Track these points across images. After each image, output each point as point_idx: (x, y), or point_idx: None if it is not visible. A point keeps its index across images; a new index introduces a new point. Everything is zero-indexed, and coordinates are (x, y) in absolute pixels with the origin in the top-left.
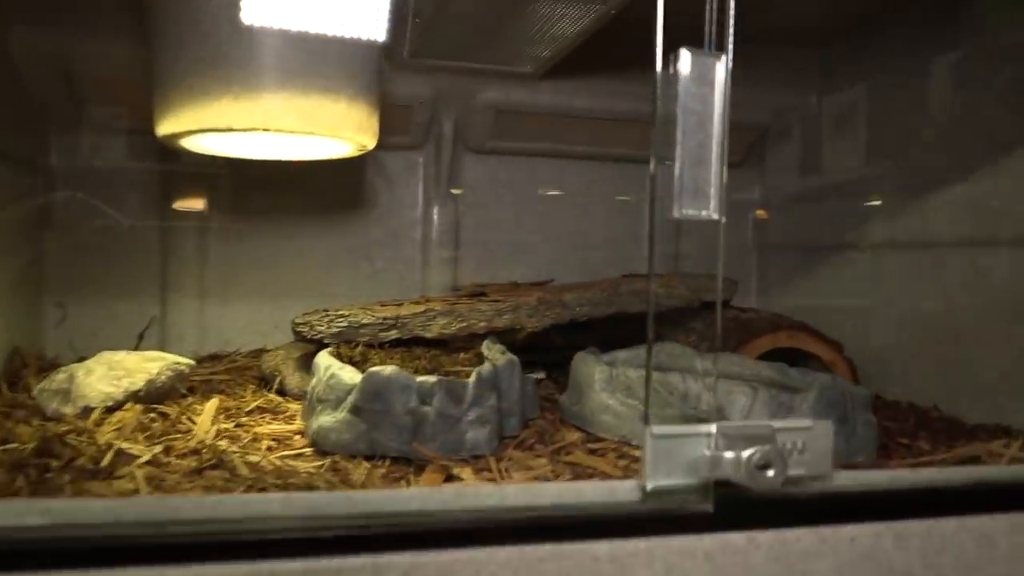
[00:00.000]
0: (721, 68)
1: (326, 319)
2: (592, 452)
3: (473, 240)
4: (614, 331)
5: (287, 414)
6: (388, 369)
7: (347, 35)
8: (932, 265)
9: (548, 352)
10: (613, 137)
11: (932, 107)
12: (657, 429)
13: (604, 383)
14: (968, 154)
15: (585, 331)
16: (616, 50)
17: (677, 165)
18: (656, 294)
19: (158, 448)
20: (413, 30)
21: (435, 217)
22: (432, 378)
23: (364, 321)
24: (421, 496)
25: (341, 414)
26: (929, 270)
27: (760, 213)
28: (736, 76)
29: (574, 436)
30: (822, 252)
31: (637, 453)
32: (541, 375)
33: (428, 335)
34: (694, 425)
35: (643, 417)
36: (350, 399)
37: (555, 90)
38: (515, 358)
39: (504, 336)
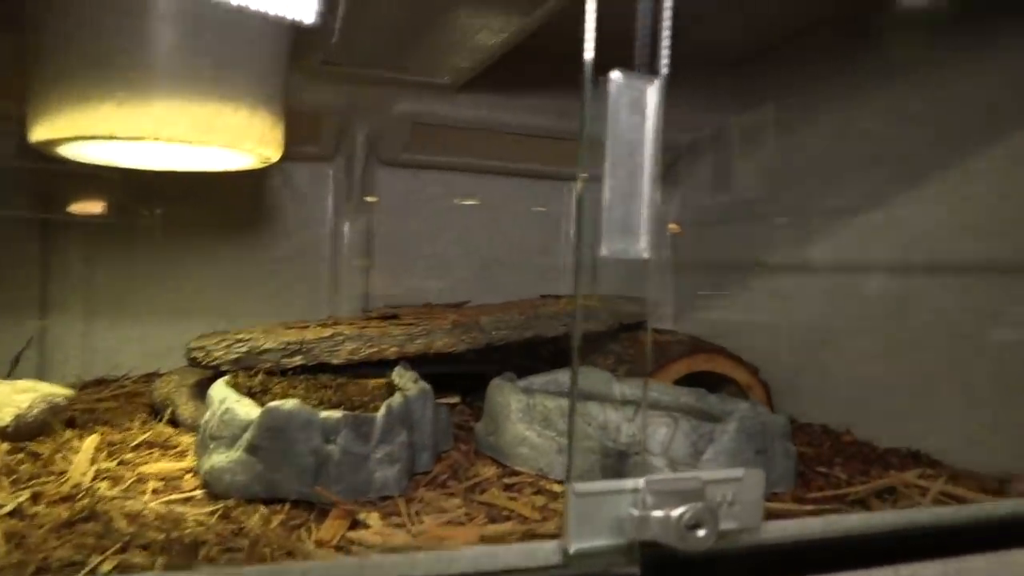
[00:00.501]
0: (654, 93)
1: (224, 343)
2: (508, 488)
3: (387, 257)
4: (532, 349)
5: (178, 449)
6: (289, 403)
7: (251, 39)
8: (842, 287)
9: (462, 376)
10: (533, 153)
11: (840, 130)
12: (580, 486)
13: (521, 413)
14: (877, 178)
15: (502, 349)
16: (539, 64)
17: (605, 198)
18: (573, 316)
19: (24, 495)
20: (326, 36)
21: (346, 233)
22: (337, 413)
23: (266, 346)
24: (319, 572)
25: (236, 453)
26: (839, 292)
27: (673, 227)
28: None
29: (490, 471)
30: (737, 272)
31: (555, 488)
32: (455, 399)
33: (335, 361)
34: (619, 480)
35: (562, 450)
36: (246, 436)
37: (475, 103)
38: (428, 387)
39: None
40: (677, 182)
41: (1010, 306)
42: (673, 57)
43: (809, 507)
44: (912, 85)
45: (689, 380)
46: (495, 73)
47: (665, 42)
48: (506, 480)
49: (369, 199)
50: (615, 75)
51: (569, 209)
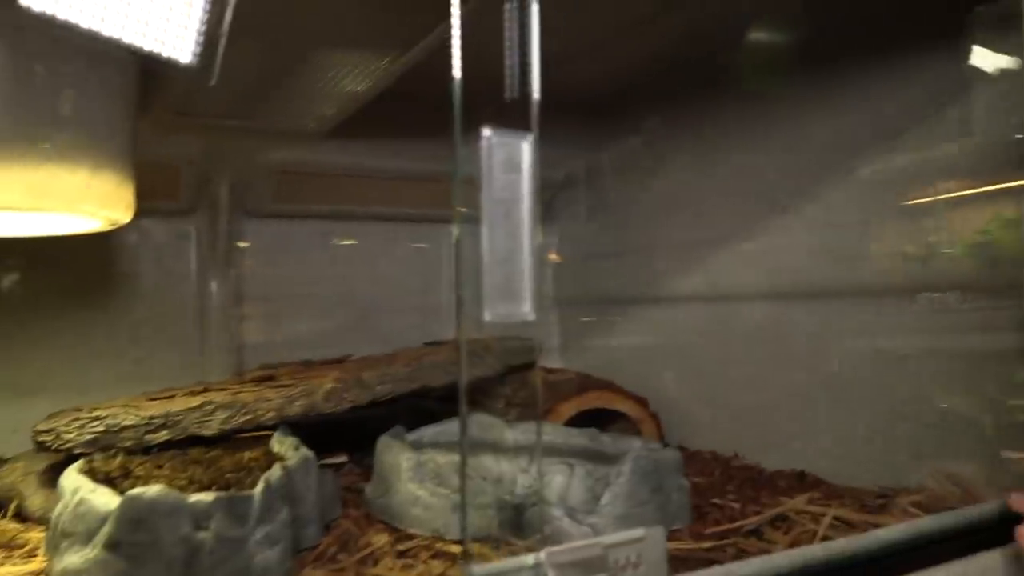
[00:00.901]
0: (528, 149)
1: (76, 423)
2: (403, 555)
3: (261, 312)
4: (420, 399)
5: (26, 548)
6: (152, 490)
7: (91, 94)
8: (719, 315)
9: (350, 429)
10: (409, 196)
11: (710, 163)
12: (477, 569)
13: (412, 472)
14: (745, 209)
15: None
16: (411, 106)
17: (485, 262)
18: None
19: None
20: (179, 86)
21: (213, 290)
22: (208, 496)
23: (125, 422)
24: None
25: (93, 551)
26: (717, 320)
27: (554, 255)
28: None
29: (382, 538)
30: (620, 304)
31: (453, 548)
32: (342, 459)
33: (207, 433)
34: (518, 558)
35: (457, 508)
36: (104, 531)
37: (343, 149)
38: (310, 454)
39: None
40: (555, 218)
41: (869, 325)
42: (544, 94)
43: (707, 544)
44: (773, 120)
45: (581, 417)
46: (366, 118)
47: (536, 95)
48: (400, 546)
49: (239, 253)
50: (487, 132)
51: (448, 250)
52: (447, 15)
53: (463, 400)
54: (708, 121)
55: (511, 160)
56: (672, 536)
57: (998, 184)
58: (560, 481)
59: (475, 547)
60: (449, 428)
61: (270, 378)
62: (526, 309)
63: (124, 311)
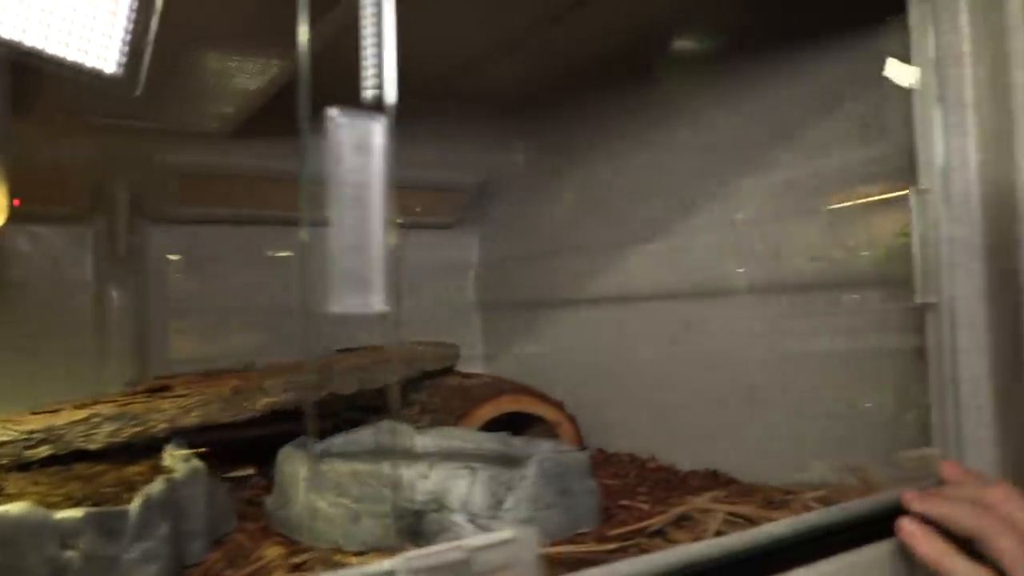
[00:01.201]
0: (381, 131)
1: None
2: (296, 569)
3: (166, 323)
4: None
5: None
6: (15, 507)
7: None
8: (636, 316)
9: (259, 442)
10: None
11: (624, 165)
12: None
13: (311, 482)
14: (658, 209)
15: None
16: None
17: (332, 249)
18: (368, 370)
19: None
20: (68, 85)
21: (113, 299)
22: (78, 512)
23: (2, 438)
24: None
25: None
26: (634, 321)
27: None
28: (444, 137)
29: (274, 552)
30: (543, 309)
31: (351, 560)
32: (249, 471)
33: (92, 447)
34: (366, 566)
35: (357, 519)
36: None
37: (249, 151)
38: (200, 465)
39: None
40: (474, 221)
41: (781, 323)
42: (457, 97)
43: (611, 545)
44: (686, 119)
45: (500, 422)
46: (271, 117)
47: (391, 75)
48: (294, 559)
49: (140, 260)
50: (334, 113)
51: None
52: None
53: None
54: (625, 119)
55: (361, 143)
56: (577, 539)
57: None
58: (462, 486)
59: (371, 557)
60: (359, 437)
61: (165, 388)
62: (376, 300)
63: (16, 322)
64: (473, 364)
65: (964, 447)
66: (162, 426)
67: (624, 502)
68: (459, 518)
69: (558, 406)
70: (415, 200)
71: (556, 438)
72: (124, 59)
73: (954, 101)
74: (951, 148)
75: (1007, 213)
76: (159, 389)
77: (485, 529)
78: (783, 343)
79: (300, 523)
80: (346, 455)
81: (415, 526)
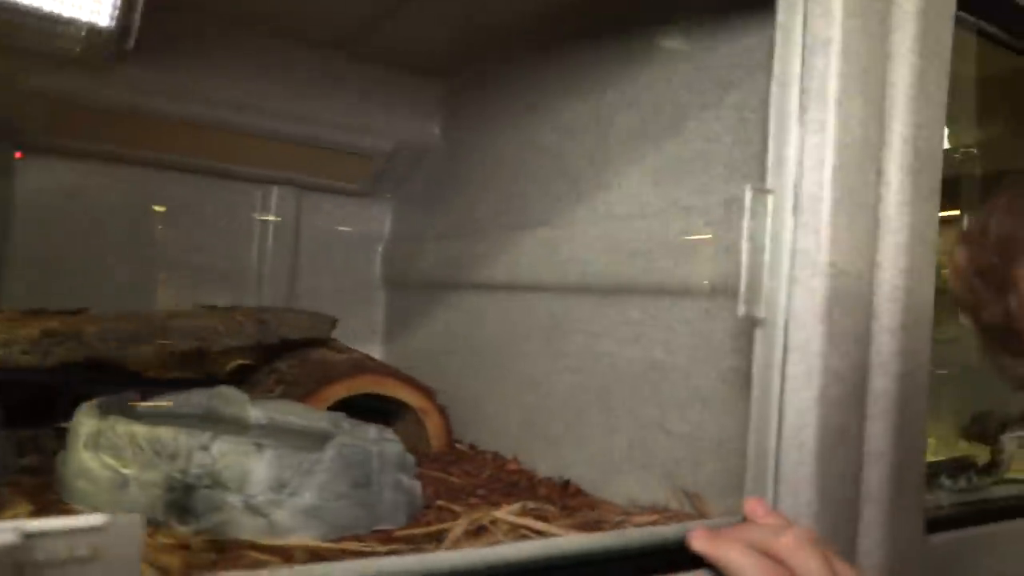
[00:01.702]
0: None
1: None
2: None
3: (25, 258)
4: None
5: None
6: None
7: None
8: (516, 306)
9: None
10: (219, 149)
11: (528, 144)
12: None
13: (89, 440)
14: (547, 194)
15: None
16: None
17: None
18: (215, 330)
19: None
20: None
21: None
22: None
23: None
24: None
25: None
26: (514, 312)
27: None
28: (354, 96)
29: (20, 510)
30: (440, 291)
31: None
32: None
33: None
34: None
35: (125, 485)
36: None
37: (130, 84)
38: None
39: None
40: (385, 192)
41: (647, 328)
42: (372, 58)
43: (385, 548)
44: (579, 99)
45: (366, 407)
46: (165, 45)
47: None
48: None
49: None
50: None
51: (262, 214)
52: None
53: None
54: (535, 96)
55: None
56: (365, 537)
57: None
58: (243, 463)
59: None
60: (191, 399)
61: None
62: None
63: None
64: (372, 344)
65: (780, 485)
66: None
67: (441, 503)
68: (233, 499)
69: (428, 394)
70: (320, 160)
71: (422, 428)
72: (117, 12)
73: (816, 94)
74: (806, 146)
75: (861, 227)
76: None
77: (261, 514)
78: (646, 350)
79: (70, 483)
80: (138, 416)
81: (184, 501)
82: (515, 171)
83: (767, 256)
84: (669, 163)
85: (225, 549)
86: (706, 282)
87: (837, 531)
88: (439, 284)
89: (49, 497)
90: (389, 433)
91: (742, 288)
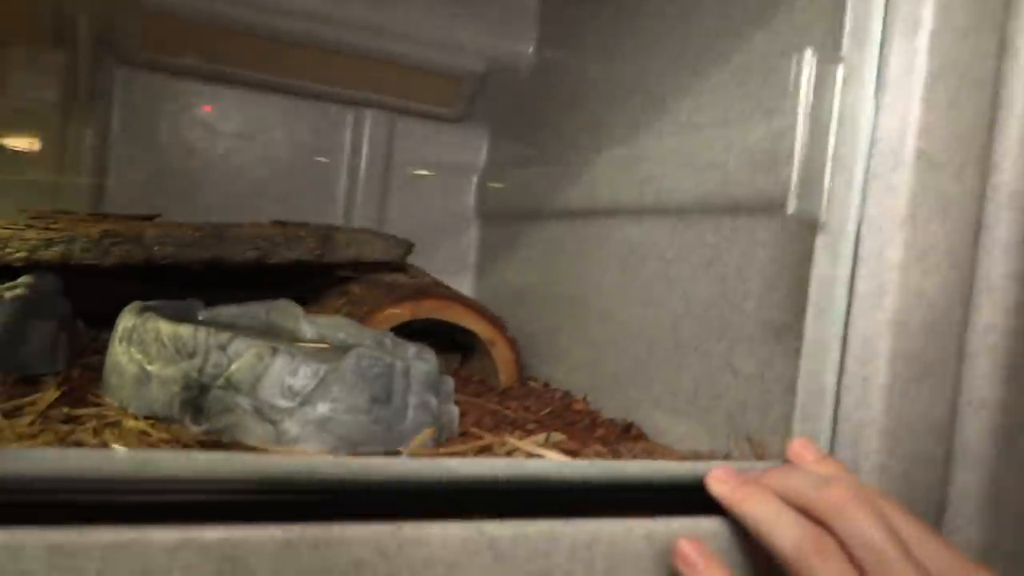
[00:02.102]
0: None
1: None
2: (68, 421)
3: (122, 171)
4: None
5: None
6: None
7: None
8: (600, 236)
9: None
10: (314, 68)
11: (616, 59)
12: None
13: (124, 334)
14: (635, 110)
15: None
16: None
17: None
18: (273, 241)
19: None
20: None
21: (70, 135)
22: None
23: None
24: None
25: None
26: (597, 242)
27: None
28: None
29: (48, 396)
30: (530, 222)
31: (129, 424)
32: None
33: None
34: None
35: (145, 381)
36: None
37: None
38: (18, 295)
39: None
40: (484, 120)
41: (721, 253)
42: None
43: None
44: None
45: (445, 337)
46: None
47: None
48: (75, 410)
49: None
50: None
51: (353, 138)
52: None
53: None
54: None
55: None
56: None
57: None
58: (253, 366)
59: (139, 424)
60: (251, 310)
61: (49, 218)
62: None
63: None
64: (462, 278)
65: (838, 431)
66: (20, 255)
67: (475, 430)
68: (243, 401)
69: (496, 324)
70: (411, 81)
71: (489, 359)
72: None
73: None
74: (896, 2)
75: (969, 111)
76: (41, 218)
77: (268, 420)
78: (719, 277)
79: (107, 377)
80: (171, 317)
81: (198, 400)
82: (599, 89)
83: (832, 142)
84: (754, 60)
85: (219, 449)
86: (791, 191)
87: (913, 494)
88: (525, 214)
89: (91, 390)
90: (428, 353)
91: (794, 180)
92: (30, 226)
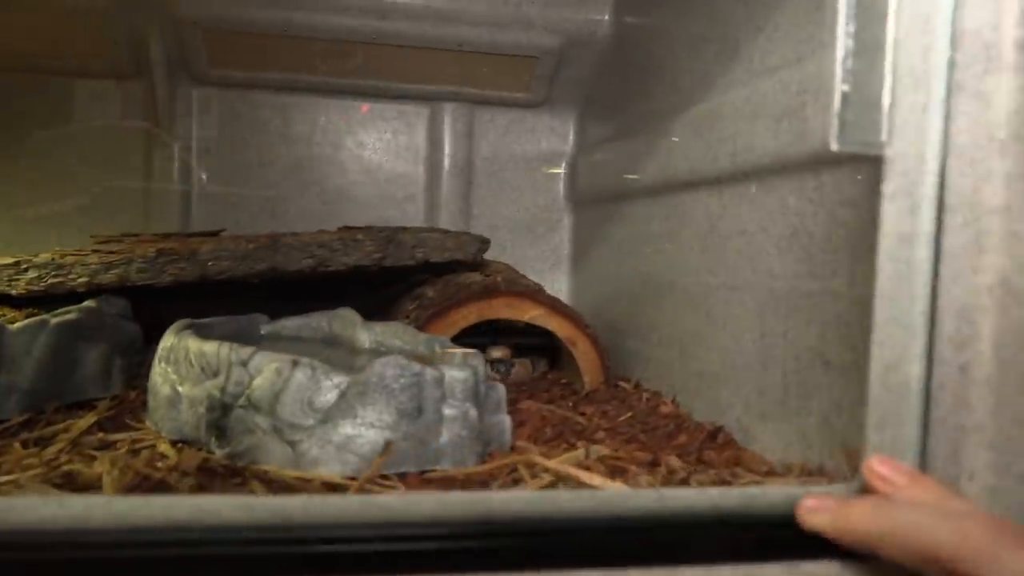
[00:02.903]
0: None
1: None
2: (103, 447)
3: (206, 188)
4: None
5: None
6: None
7: None
8: (681, 212)
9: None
10: (382, 67)
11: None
12: None
13: (163, 356)
14: (708, 62)
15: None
16: None
17: None
18: (330, 248)
19: None
20: None
21: (155, 158)
22: None
23: None
24: None
25: None
26: (679, 219)
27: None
28: None
29: (85, 423)
30: (618, 203)
31: (163, 448)
32: None
33: (14, 292)
34: None
35: (177, 403)
36: None
37: (287, 3)
38: (57, 320)
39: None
40: (567, 102)
41: (802, 216)
42: None
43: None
44: None
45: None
46: None
47: None
48: (111, 436)
49: (182, 123)
50: None
51: (430, 135)
52: None
53: None
54: None
55: None
56: (407, 477)
57: None
58: (272, 382)
59: (167, 449)
60: (313, 321)
61: (116, 242)
62: None
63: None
64: (557, 272)
65: (930, 436)
66: (82, 280)
67: (522, 443)
68: (263, 421)
69: (576, 321)
70: (482, 68)
71: (569, 360)
72: None
73: None
74: None
75: None
76: (110, 242)
77: (287, 440)
78: (804, 249)
79: (149, 399)
80: (214, 333)
81: (221, 421)
82: (675, 46)
83: (889, 40)
84: None
85: (228, 476)
86: (832, 117)
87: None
88: (613, 196)
89: (139, 414)
90: (477, 359)
91: (836, 100)
92: (95, 251)
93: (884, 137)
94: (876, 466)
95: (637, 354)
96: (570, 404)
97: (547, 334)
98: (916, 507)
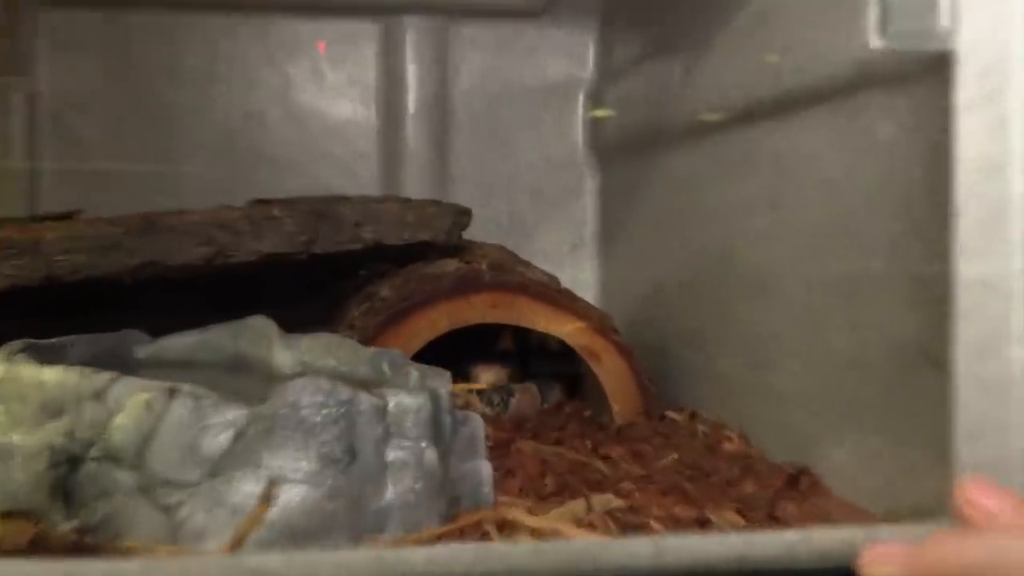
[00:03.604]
0: None
1: None
2: None
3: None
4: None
5: None
6: None
7: None
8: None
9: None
10: None
11: None
12: None
13: None
14: None
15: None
16: None
17: None
18: (234, 231)
19: None
20: None
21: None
22: None
23: None
24: None
25: None
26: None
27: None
28: None
29: None
30: (653, 152)
31: None
32: None
33: None
34: None
35: (9, 455)
36: None
37: None
38: None
39: None
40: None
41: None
42: None
43: None
44: None
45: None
46: None
47: None
48: None
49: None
50: None
51: (385, 62)
52: None
53: None
54: None
55: None
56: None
57: None
58: (138, 422)
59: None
60: (214, 338)
61: None
62: None
63: None
64: (581, 258)
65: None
66: None
67: (505, 499)
68: (125, 478)
69: (599, 326)
70: None
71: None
72: None
73: None
74: None
75: None
76: None
77: (159, 505)
78: (904, 203)
79: None
80: (65, 358)
81: (68, 480)
82: None
83: None
84: None
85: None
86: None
87: None
88: (651, 141)
89: None
90: (439, 379)
91: None
92: None
93: (952, 26)
94: (970, 492)
95: (692, 371)
96: (589, 445)
97: (568, 350)
98: (1010, 533)
